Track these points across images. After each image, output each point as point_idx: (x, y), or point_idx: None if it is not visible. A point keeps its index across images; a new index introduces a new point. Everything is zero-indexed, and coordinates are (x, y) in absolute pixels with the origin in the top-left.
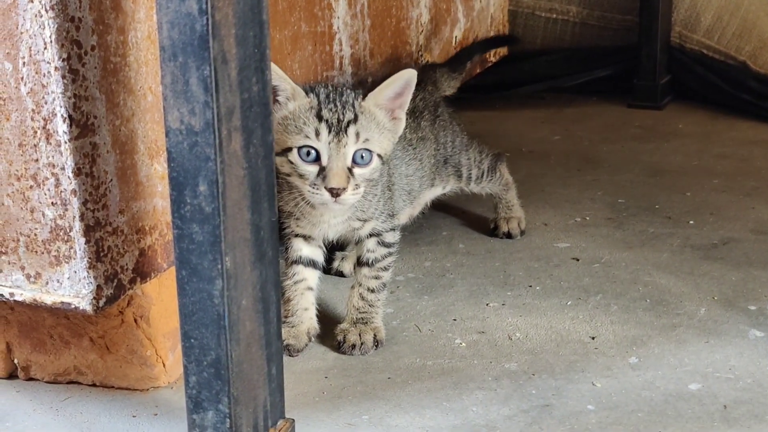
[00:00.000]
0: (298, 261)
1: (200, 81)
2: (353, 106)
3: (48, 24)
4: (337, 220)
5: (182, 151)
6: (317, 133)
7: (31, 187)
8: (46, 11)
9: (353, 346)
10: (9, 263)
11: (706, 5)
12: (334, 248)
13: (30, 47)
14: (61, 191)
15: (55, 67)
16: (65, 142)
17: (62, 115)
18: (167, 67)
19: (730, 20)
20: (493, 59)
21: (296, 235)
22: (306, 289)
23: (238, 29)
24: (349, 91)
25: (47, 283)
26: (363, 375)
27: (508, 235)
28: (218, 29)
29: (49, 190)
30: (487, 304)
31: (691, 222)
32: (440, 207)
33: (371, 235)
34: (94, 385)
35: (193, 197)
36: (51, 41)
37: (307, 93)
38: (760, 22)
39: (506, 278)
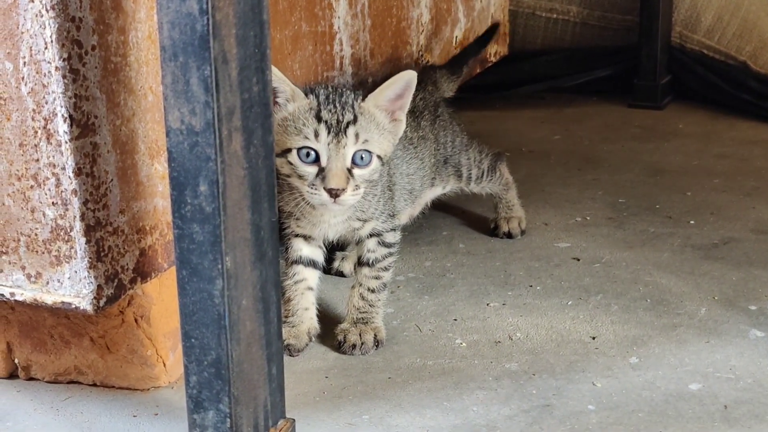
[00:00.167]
0: (298, 261)
1: (201, 81)
2: (353, 107)
3: (49, 24)
4: (337, 220)
5: (183, 151)
6: (316, 134)
7: (31, 186)
8: (47, 11)
9: (353, 346)
10: (9, 263)
11: (707, 5)
12: (334, 248)
13: (31, 47)
14: (61, 191)
15: (56, 67)
16: (66, 142)
17: (63, 115)
18: (168, 67)
19: (731, 20)
20: (493, 59)
21: (296, 235)
22: (306, 289)
23: (239, 29)
24: (349, 92)
25: (48, 282)
26: (363, 375)
27: (509, 235)
28: (219, 29)
29: (49, 189)
30: (487, 304)
31: (692, 222)
32: (440, 207)
33: (371, 235)
34: (94, 384)
35: (194, 197)
36: (52, 41)
37: (306, 94)
38: (760, 22)
39: (507, 278)
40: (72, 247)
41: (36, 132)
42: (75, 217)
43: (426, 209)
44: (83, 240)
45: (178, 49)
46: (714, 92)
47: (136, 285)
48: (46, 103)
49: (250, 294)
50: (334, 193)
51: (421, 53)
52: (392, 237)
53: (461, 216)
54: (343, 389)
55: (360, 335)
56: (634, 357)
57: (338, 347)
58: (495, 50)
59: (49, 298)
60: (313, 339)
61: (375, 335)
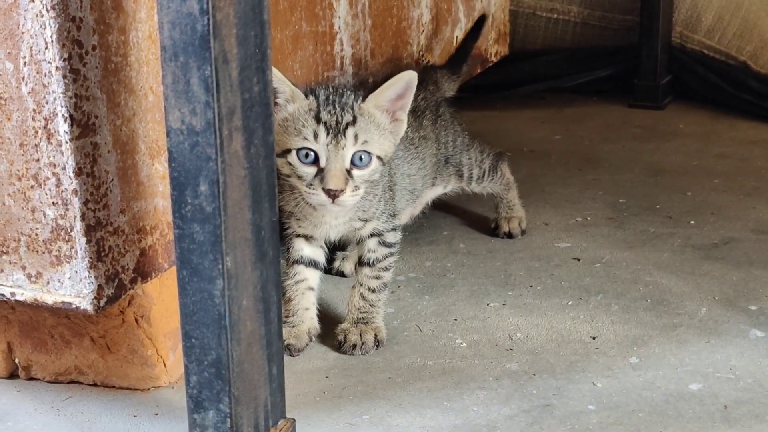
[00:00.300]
0: (299, 261)
1: (201, 81)
2: (352, 108)
3: (49, 24)
4: (339, 221)
5: (183, 151)
6: (315, 135)
7: (32, 186)
8: (47, 11)
9: (354, 346)
10: (10, 263)
11: (707, 5)
12: (335, 248)
13: (31, 47)
14: (62, 191)
15: (56, 67)
16: (66, 142)
17: (63, 115)
18: (168, 67)
19: (731, 20)
20: (493, 59)
21: (298, 235)
22: (307, 289)
23: (239, 29)
24: (349, 92)
25: (48, 282)
26: (364, 375)
27: (509, 235)
28: (219, 29)
29: (50, 189)
30: (488, 304)
31: (692, 222)
32: (441, 207)
33: (372, 235)
34: (95, 384)
35: (194, 197)
36: (52, 41)
37: (307, 95)
38: (760, 22)
39: (507, 278)
40: (72, 247)
41: (36, 132)
42: (75, 217)
43: (426, 209)
44: (84, 240)
45: (178, 49)
46: (714, 92)
47: (137, 285)
48: (47, 103)
49: (251, 294)
50: (332, 194)
51: (421, 53)
52: (393, 237)
53: (462, 216)
54: (344, 389)
55: (360, 335)
56: (635, 357)
57: (338, 347)
58: (495, 50)
59: (49, 298)
60: (314, 339)
61: (375, 335)
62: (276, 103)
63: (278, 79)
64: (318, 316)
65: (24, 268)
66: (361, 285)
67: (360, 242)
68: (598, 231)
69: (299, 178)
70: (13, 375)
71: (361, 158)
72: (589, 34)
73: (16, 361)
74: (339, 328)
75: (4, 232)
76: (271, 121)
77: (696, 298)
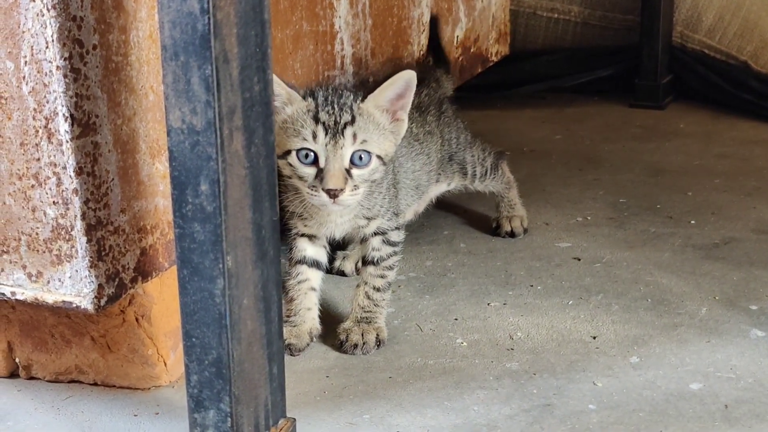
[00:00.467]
0: (302, 261)
1: (202, 80)
2: (351, 108)
3: (50, 23)
4: (344, 219)
5: (184, 151)
6: (314, 136)
7: (32, 186)
8: (48, 10)
9: (355, 346)
10: (10, 262)
11: (708, 5)
12: (335, 247)
13: (32, 46)
14: (62, 190)
15: (57, 66)
16: (67, 141)
17: (64, 114)
18: (169, 66)
19: (732, 20)
20: (494, 59)
21: (301, 235)
22: (309, 289)
23: (240, 28)
24: (348, 92)
25: (49, 282)
26: (364, 374)
27: (511, 234)
28: (220, 28)
29: (50, 189)
30: (488, 304)
31: (693, 222)
32: (442, 206)
33: (376, 233)
34: (95, 384)
35: (195, 196)
36: (53, 40)
37: (305, 97)
38: (761, 22)
39: (507, 278)
40: (73, 247)
41: (37, 131)
42: (76, 216)
43: (430, 205)
44: (84, 239)
45: (179, 48)
46: (715, 92)
47: (137, 284)
48: (47, 102)
49: (251, 293)
50: (332, 194)
51: (422, 53)
52: (396, 236)
53: (463, 215)
54: (344, 388)
55: (362, 335)
56: (635, 356)
57: (340, 346)
58: (496, 50)
59: (49, 297)
60: (315, 339)
61: (377, 335)
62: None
63: (274, 82)
64: (319, 316)
65: (24, 267)
66: (366, 284)
67: (364, 241)
68: (598, 231)
69: (300, 178)
70: (13, 374)
71: (360, 158)
72: (590, 34)
73: (17, 360)
74: (341, 327)
75: (5, 231)
76: (271, 121)
77: (696, 297)
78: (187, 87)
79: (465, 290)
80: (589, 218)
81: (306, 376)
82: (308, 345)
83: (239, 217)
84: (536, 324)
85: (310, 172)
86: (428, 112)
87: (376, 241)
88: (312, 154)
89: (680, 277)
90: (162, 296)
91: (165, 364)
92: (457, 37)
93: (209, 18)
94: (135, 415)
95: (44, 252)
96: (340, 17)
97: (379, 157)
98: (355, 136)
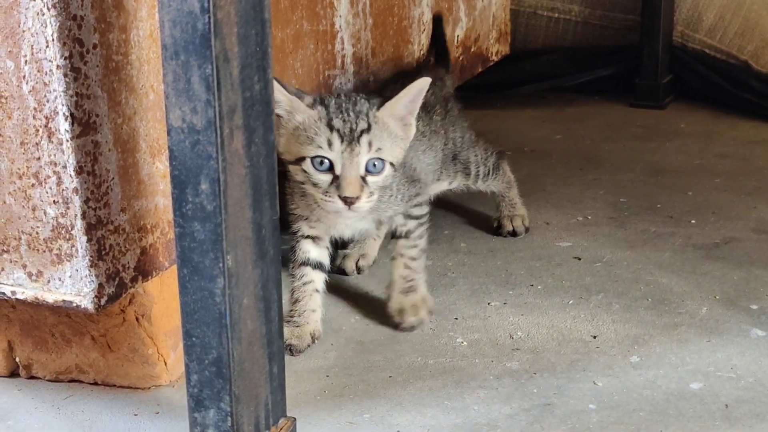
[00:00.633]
0: (306, 263)
1: (202, 79)
2: (366, 116)
3: (50, 22)
4: (354, 221)
5: (184, 150)
6: (330, 143)
7: (32, 185)
8: (48, 9)
9: (412, 327)
10: (11, 261)
11: (708, 5)
12: (337, 247)
13: (32, 45)
14: (62, 189)
15: (57, 66)
16: (67, 141)
17: (64, 114)
18: (169, 65)
19: (732, 20)
20: (495, 58)
21: (306, 237)
22: (314, 291)
23: (240, 28)
24: (363, 100)
25: (49, 281)
26: (364, 374)
27: (513, 234)
28: (220, 27)
29: (50, 188)
30: (488, 303)
31: (693, 221)
32: (442, 205)
33: (394, 215)
34: (95, 383)
35: (195, 196)
36: (53, 39)
37: (314, 103)
38: (762, 21)
39: (508, 277)
40: (73, 246)
41: (37, 130)
42: (76, 215)
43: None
44: (84, 238)
45: (179, 47)
46: (715, 92)
47: (137, 283)
48: (48, 101)
49: (252, 293)
50: (349, 201)
51: (422, 52)
52: (418, 210)
53: (463, 215)
54: (344, 388)
55: (416, 311)
56: (636, 356)
57: (397, 326)
58: (497, 49)
59: (50, 297)
60: (316, 341)
61: (428, 308)
62: (278, 114)
63: (275, 89)
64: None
65: (25, 266)
66: (402, 256)
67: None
68: (599, 230)
69: (315, 185)
70: (13, 374)
71: (375, 165)
72: (591, 34)
73: (17, 359)
74: (392, 306)
75: (5, 230)
76: (272, 120)
77: (697, 297)
78: (187, 86)
79: (465, 290)
80: (589, 218)
81: (306, 375)
82: (309, 347)
83: (239, 216)
84: (536, 323)
85: (325, 179)
86: (434, 111)
87: (399, 219)
88: (327, 161)
89: (681, 276)
90: (162, 295)
91: (165, 364)
92: (458, 36)
93: (209, 17)
94: (135, 415)
95: (44, 251)
96: (340, 16)
97: (391, 164)
98: (370, 144)
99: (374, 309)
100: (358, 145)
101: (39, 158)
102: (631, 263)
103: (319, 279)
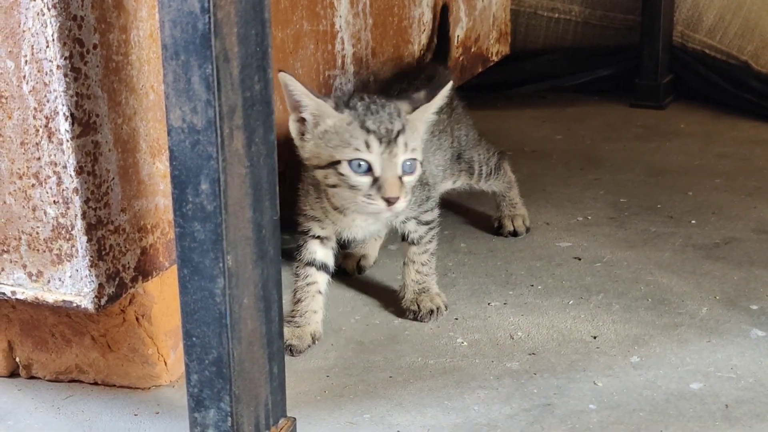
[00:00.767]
0: (311, 263)
1: (202, 79)
2: (399, 117)
3: (50, 22)
4: (368, 222)
5: (184, 150)
6: (368, 145)
7: (32, 185)
8: (48, 9)
9: (431, 312)
10: (11, 261)
11: (709, 5)
12: (342, 248)
13: (32, 45)
14: (62, 190)
15: (57, 66)
16: (67, 141)
17: (64, 114)
18: (169, 65)
19: (732, 20)
20: (495, 58)
21: (313, 237)
22: (317, 292)
23: (240, 28)
24: (389, 101)
25: (49, 281)
26: (365, 374)
27: (514, 233)
28: (220, 28)
29: (50, 188)
30: (488, 303)
31: (693, 221)
32: (442, 205)
33: (406, 220)
34: (95, 383)
35: (195, 196)
36: (53, 39)
37: (337, 106)
38: (762, 21)
39: (508, 277)
40: (73, 246)
41: (37, 130)
42: (76, 215)
43: None
44: (84, 238)
45: (179, 47)
46: (715, 92)
47: (138, 283)
48: (48, 101)
49: (252, 293)
50: (391, 202)
51: (422, 52)
52: (429, 215)
53: (463, 215)
54: (344, 388)
55: (431, 301)
56: (636, 356)
57: (415, 317)
58: (497, 49)
59: (50, 297)
60: (316, 342)
61: (442, 302)
62: (302, 118)
63: (301, 92)
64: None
65: (25, 266)
66: (413, 262)
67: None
68: (599, 230)
69: (352, 187)
70: (13, 374)
71: (409, 165)
72: (591, 34)
73: (17, 359)
74: (405, 303)
75: (5, 230)
76: (272, 120)
77: (697, 297)
78: (187, 86)
79: (465, 290)
80: (589, 218)
81: (306, 375)
82: (309, 347)
83: (239, 216)
84: (537, 323)
85: (365, 181)
86: (441, 109)
87: (410, 225)
88: (365, 163)
89: (681, 276)
90: (162, 295)
91: (165, 364)
92: (458, 36)
93: (210, 17)
94: (135, 415)
95: (44, 251)
96: (340, 16)
97: (420, 163)
98: (406, 144)
99: (374, 309)
100: (395, 146)
101: (39, 158)
102: (632, 263)
103: (322, 280)
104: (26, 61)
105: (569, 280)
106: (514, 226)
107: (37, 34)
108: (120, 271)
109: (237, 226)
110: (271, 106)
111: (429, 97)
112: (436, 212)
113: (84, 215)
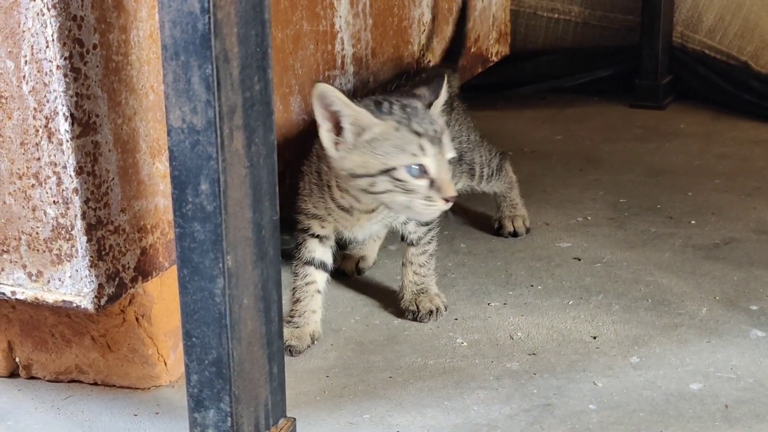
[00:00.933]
0: (310, 262)
1: (202, 80)
2: (433, 116)
3: (50, 22)
4: (373, 222)
5: (184, 150)
6: (422, 149)
7: (32, 185)
8: (48, 9)
9: (430, 313)
10: (11, 261)
11: (708, 5)
12: (340, 247)
13: (32, 45)
14: (62, 190)
15: (57, 66)
16: (67, 141)
17: (64, 114)
18: (169, 65)
19: (732, 20)
20: (494, 59)
21: (313, 236)
22: (316, 291)
23: (240, 28)
24: (415, 101)
25: (49, 281)
26: (364, 374)
27: (514, 234)
28: (220, 28)
29: (50, 188)
30: (488, 304)
31: (693, 222)
32: None
33: (407, 222)
34: (95, 383)
35: (195, 196)
36: (53, 40)
37: (373, 106)
38: (761, 22)
39: (508, 278)
40: (73, 246)
41: (37, 131)
42: (76, 215)
43: None
44: (84, 239)
45: (179, 47)
46: (715, 92)
47: (137, 284)
48: (48, 101)
49: (251, 293)
50: (449, 201)
51: (422, 52)
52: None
53: (462, 215)
54: (344, 388)
55: (431, 302)
56: (635, 356)
57: (414, 317)
58: (496, 50)
59: (50, 297)
60: (315, 342)
61: (442, 302)
62: (341, 127)
63: (343, 102)
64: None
65: (25, 266)
66: (412, 264)
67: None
68: (599, 231)
69: (408, 192)
70: (13, 374)
71: (449, 161)
72: (590, 34)
73: (17, 360)
74: (404, 303)
75: (5, 230)
76: (272, 120)
77: (697, 298)
78: (187, 86)
79: (465, 290)
80: (589, 218)
81: (306, 375)
82: (308, 347)
83: (239, 216)
84: (536, 324)
85: (423, 183)
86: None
87: (410, 226)
88: (421, 166)
89: (680, 277)
90: (162, 296)
91: (165, 364)
92: None
93: (210, 17)
94: (135, 415)
95: (44, 251)
96: (340, 17)
97: None
98: (449, 142)
99: (374, 310)
100: (443, 145)
101: (39, 158)
102: (631, 264)
103: (321, 279)
104: (26, 62)
105: (569, 281)
106: (514, 227)
107: (36, 34)
108: (120, 271)
109: (237, 227)
110: (271, 107)
111: (435, 93)
112: None
113: (84, 215)
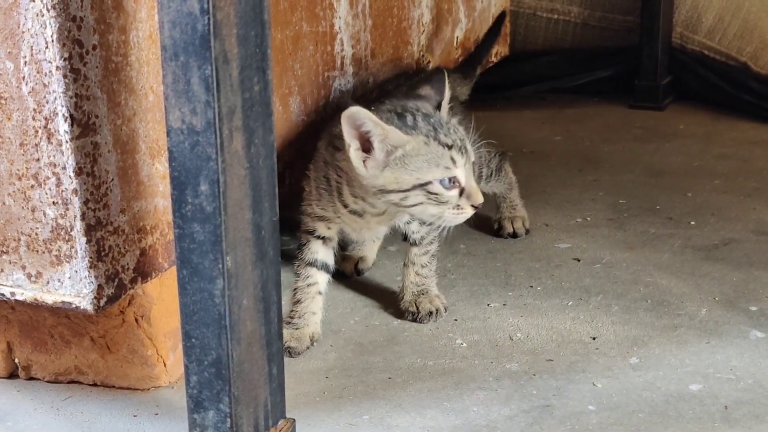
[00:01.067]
0: (312, 263)
1: (202, 80)
2: (451, 124)
3: (49, 23)
4: (381, 224)
5: (183, 151)
6: (454, 161)
7: (32, 186)
8: (48, 10)
9: (430, 314)
10: (10, 262)
11: (708, 6)
12: (342, 248)
13: (31, 46)
14: (62, 191)
15: (57, 67)
16: (66, 142)
17: (63, 115)
18: (169, 66)
19: (732, 21)
20: (494, 59)
21: (317, 237)
22: (317, 293)
23: (240, 29)
24: (426, 104)
25: (48, 282)
26: (364, 375)
27: (514, 235)
28: (220, 29)
29: (50, 189)
30: (488, 305)
31: (692, 223)
32: None
33: (410, 221)
34: (94, 384)
35: (195, 197)
36: (52, 40)
37: (401, 121)
38: (761, 23)
39: (507, 278)
40: (72, 247)
41: (37, 131)
42: (75, 216)
43: None
44: (84, 239)
45: (179, 48)
46: (715, 93)
47: (137, 285)
48: (47, 102)
49: (251, 294)
50: (477, 207)
51: (422, 53)
52: None
53: None
54: (344, 389)
55: (431, 303)
56: (635, 357)
57: (414, 318)
58: (496, 50)
59: (49, 298)
60: (315, 344)
61: (442, 303)
62: (371, 144)
63: (375, 122)
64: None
65: (24, 267)
66: (414, 264)
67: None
68: (598, 232)
69: (441, 203)
70: (12, 375)
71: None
72: (590, 35)
73: (16, 360)
74: (404, 304)
75: (4, 231)
76: (271, 121)
77: (696, 298)
78: (186, 87)
79: (465, 291)
80: (588, 219)
81: (305, 376)
82: (308, 348)
83: (239, 217)
84: (536, 325)
85: (454, 194)
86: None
87: (414, 226)
88: (452, 178)
89: (680, 278)
90: (161, 297)
91: (164, 365)
92: (457, 37)
93: (209, 18)
94: (134, 416)
95: (44, 252)
96: (340, 18)
97: None
98: (470, 148)
99: (374, 310)
100: (468, 153)
101: (38, 159)
102: (631, 264)
103: (322, 280)
104: (25, 62)
105: (568, 282)
106: (513, 228)
107: (36, 35)
108: (119, 272)
109: (236, 227)
110: (271, 108)
111: (440, 92)
112: None
113: (83, 216)
